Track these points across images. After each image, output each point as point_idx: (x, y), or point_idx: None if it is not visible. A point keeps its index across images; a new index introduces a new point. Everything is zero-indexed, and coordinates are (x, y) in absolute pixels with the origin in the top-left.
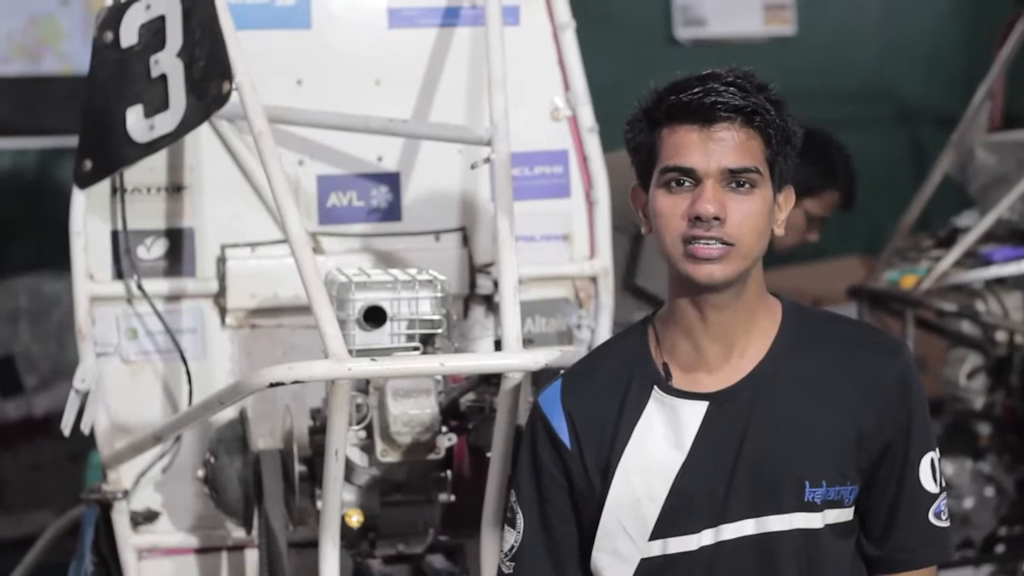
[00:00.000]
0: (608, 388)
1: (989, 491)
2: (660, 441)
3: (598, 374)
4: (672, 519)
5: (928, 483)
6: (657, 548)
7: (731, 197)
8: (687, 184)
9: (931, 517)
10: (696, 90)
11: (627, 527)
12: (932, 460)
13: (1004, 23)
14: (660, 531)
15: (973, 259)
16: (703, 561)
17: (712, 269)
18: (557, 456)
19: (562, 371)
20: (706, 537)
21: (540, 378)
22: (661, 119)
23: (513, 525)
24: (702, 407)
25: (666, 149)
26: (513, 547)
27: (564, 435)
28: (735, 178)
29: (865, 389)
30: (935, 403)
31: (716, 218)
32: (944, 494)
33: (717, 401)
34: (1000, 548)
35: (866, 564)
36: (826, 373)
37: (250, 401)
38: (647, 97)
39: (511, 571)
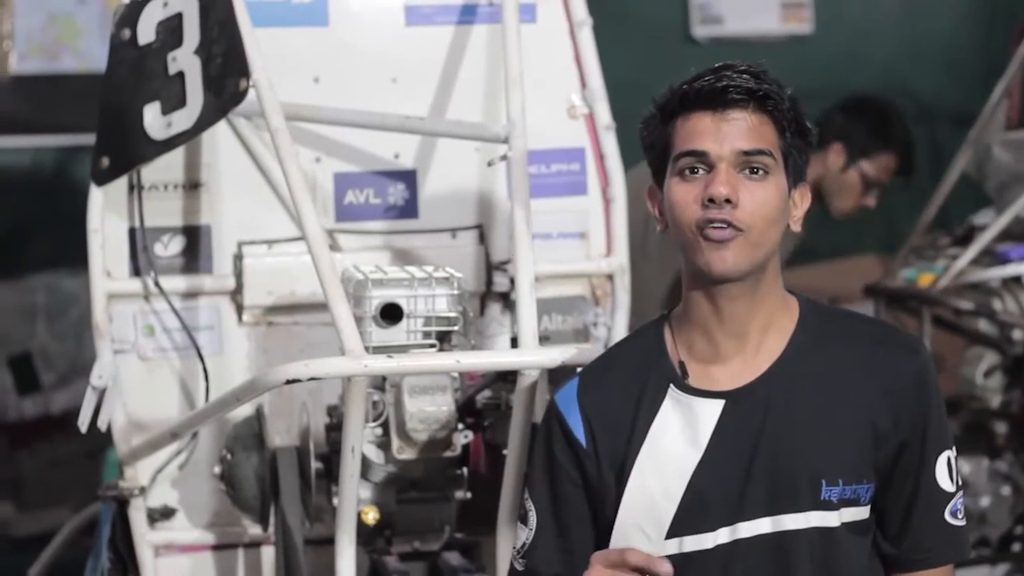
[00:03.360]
0: (624, 387)
1: (1006, 490)
2: (676, 439)
3: (614, 373)
4: (688, 518)
5: (944, 482)
6: (673, 547)
7: (744, 183)
8: (701, 171)
9: (947, 516)
10: (708, 78)
11: (643, 526)
12: (949, 459)
13: (1021, 21)
14: (676, 530)
15: (990, 257)
16: (719, 559)
17: (725, 255)
18: (572, 455)
19: (579, 369)
20: (722, 535)
21: (556, 376)
22: (675, 110)
23: (526, 522)
24: (719, 405)
25: (679, 137)
26: (525, 544)
27: (580, 433)
28: (749, 163)
29: (882, 387)
30: (952, 402)
31: (728, 200)
32: (960, 493)
33: (734, 399)
34: (1016, 547)
35: (882, 562)
36: (843, 371)
37: (267, 398)
38: (662, 94)
39: (523, 568)
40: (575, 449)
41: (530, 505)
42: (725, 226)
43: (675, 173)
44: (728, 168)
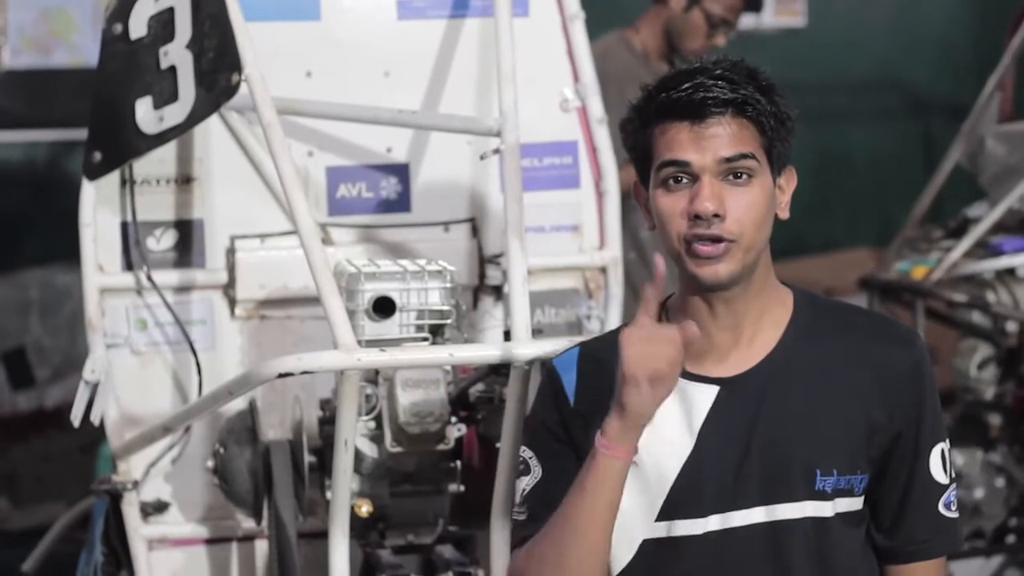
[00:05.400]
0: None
1: (999, 482)
2: (672, 423)
3: (613, 352)
4: (680, 501)
5: (938, 474)
6: (663, 529)
7: (729, 191)
8: (685, 180)
9: (941, 508)
10: (685, 86)
11: (634, 505)
12: (943, 451)
13: (1015, 14)
14: (667, 512)
15: (983, 249)
16: (710, 547)
17: (717, 268)
18: (558, 411)
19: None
20: (713, 522)
21: None
22: (651, 117)
23: (527, 472)
24: (713, 391)
25: (659, 147)
26: (525, 490)
27: (570, 392)
28: (732, 168)
29: (877, 379)
30: (945, 394)
31: (716, 215)
32: (954, 485)
33: (728, 386)
34: (1010, 539)
35: (876, 554)
36: (838, 362)
37: (260, 392)
38: (638, 96)
39: (525, 515)
40: (561, 407)
41: (530, 456)
42: (714, 241)
43: (659, 184)
44: (711, 180)
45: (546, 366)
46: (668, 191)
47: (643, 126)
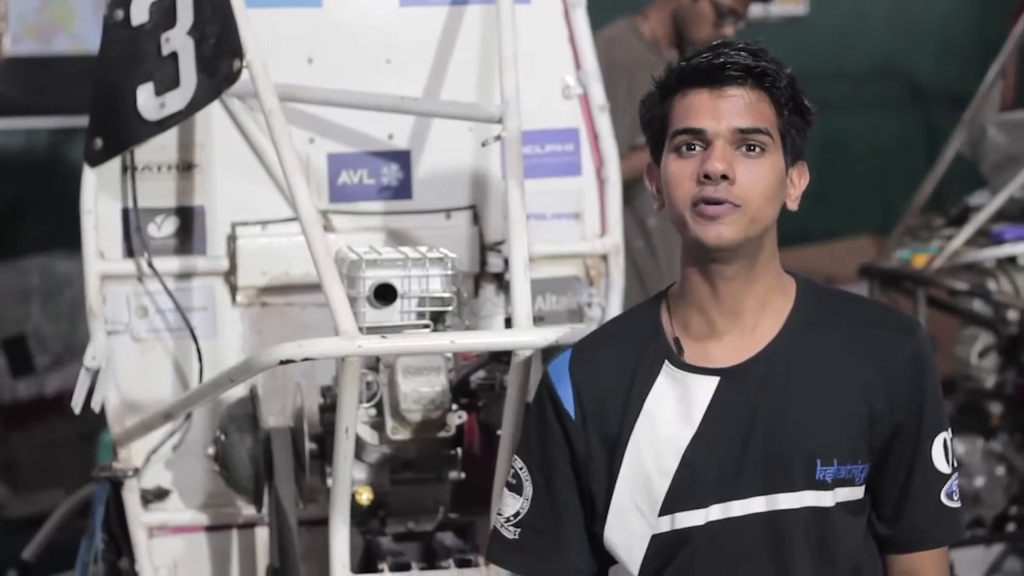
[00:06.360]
0: (618, 362)
1: (1000, 470)
2: (670, 416)
3: (609, 347)
4: (680, 493)
5: (940, 463)
6: (666, 524)
7: (740, 160)
8: (697, 148)
9: (943, 497)
10: (706, 55)
11: (638, 503)
12: (945, 440)
13: (1017, 2)
14: (669, 506)
15: (985, 238)
16: (712, 536)
17: (720, 229)
18: (560, 425)
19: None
20: (714, 512)
21: (550, 356)
22: (673, 87)
23: (520, 492)
24: (713, 382)
25: (677, 114)
26: (520, 513)
27: (569, 405)
28: (745, 140)
29: (879, 368)
30: (946, 382)
31: (724, 177)
32: (956, 475)
33: (728, 376)
34: (1011, 527)
35: (877, 543)
36: (840, 351)
37: (260, 379)
38: (661, 73)
39: (517, 536)
40: (563, 419)
41: (525, 475)
42: (720, 203)
43: (672, 150)
44: (724, 145)
45: (543, 376)
46: (680, 157)
47: (663, 97)
